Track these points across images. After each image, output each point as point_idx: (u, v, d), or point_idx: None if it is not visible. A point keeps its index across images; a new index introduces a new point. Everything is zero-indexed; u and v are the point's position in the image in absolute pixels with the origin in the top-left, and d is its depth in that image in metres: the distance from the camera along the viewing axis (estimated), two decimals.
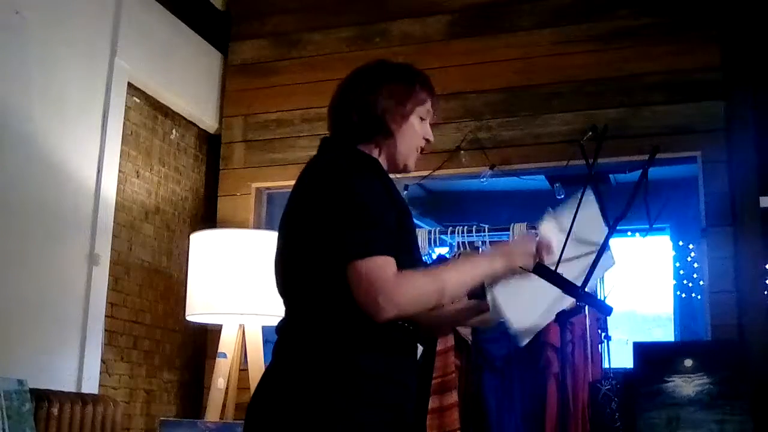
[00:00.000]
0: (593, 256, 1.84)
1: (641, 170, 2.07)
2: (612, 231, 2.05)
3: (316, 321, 1.70)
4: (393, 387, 1.72)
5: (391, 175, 1.88)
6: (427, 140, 1.91)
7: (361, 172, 1.72)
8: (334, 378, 1.64)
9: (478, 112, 3.98)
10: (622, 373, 3.50)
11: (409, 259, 1.73)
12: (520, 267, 1.78)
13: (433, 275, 1.70)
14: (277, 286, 1.83)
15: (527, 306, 1.83)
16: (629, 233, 4.90)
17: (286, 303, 1.80)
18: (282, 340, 1.76)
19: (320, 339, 1.68)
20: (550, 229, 1.85)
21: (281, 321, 1.80)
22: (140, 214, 3.83)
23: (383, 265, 1.60)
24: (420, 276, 1.67)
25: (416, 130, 1.88)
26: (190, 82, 4.18)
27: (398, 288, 1.60)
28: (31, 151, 3.13)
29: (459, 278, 1.71)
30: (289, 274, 1.78)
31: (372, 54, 4.20)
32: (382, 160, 1.86)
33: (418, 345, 1.85)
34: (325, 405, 1.63)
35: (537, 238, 1.81)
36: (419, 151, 1.91)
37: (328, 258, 1.65)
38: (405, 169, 1.90)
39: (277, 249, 1.83)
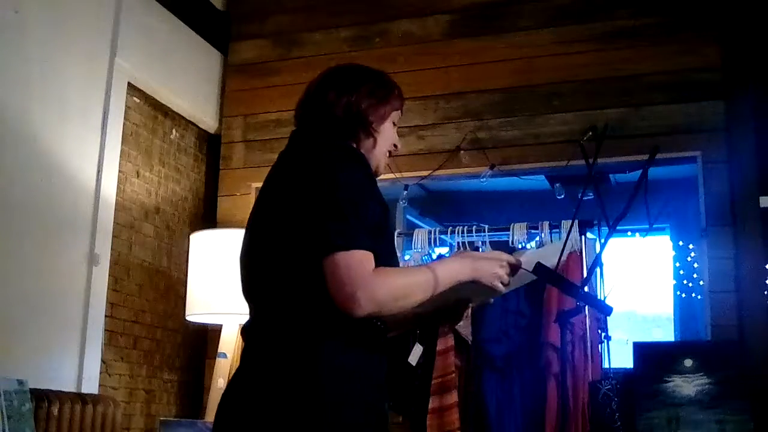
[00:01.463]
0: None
1: (641, 170, 2.07)
2: (612, 231, 2.05)
3: (286, 320, 1.64)
4: (371, 386, 1.68)
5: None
6: (395, 146, 1.91)
7: (347, 163, 1.69)
8: (314, 379, 1.59)
9: (478, 112, 3.98)
10: (622, 373, 3.50)
11: (388, 253, 1.70)
12: (522, 268, 1.79)
13: (410, 275, 1.67)
14: (243, 286, 1.77)
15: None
16: (629, 233, 4.90)
17: (252, 303, 1.74)
18: (251, 344, 1.71)
19: (292, 339, 1.62)
20: (528, 257, 1.86)
21: (246, 323, 1.74)
22: (140, 214, 3.83)
23: (363, 260, 1.56)
24: (398, 275, 1.65)
25: (391, 134, 1.88)
26: (190, 82, 4.18)
27: (377, 284, 1.55)
28: (31, 151, 3.13)
29: (430, 282, 1.67)
30: (256, 271, 1.73)
31: (372, 54, 4.21)
32: None
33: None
34: (308, 407, 1.57)
35: (509, 256, 1.81)
36: (389, 155, 1.91)
37: (303, 250, 1.60)
38: (377, 172, 1.87)
39: (244, 248, 1.78)
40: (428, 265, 1.77)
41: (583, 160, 2.24)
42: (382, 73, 1.92)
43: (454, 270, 1.72)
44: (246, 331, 1.73)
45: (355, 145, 1.82)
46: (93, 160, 3.45)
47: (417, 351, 1.98)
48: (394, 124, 1.89)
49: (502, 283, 1.76)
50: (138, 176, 3.83)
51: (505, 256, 1.79)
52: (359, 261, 1.55)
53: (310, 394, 1.58)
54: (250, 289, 1.75)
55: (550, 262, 1.88)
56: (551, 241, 3.66)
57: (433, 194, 5.61)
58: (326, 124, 1.81)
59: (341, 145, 1.78)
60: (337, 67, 1.92)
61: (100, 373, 3.45)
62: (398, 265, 1.74)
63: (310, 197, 1.62)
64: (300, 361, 1.60)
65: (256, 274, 1.73)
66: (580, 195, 2.11)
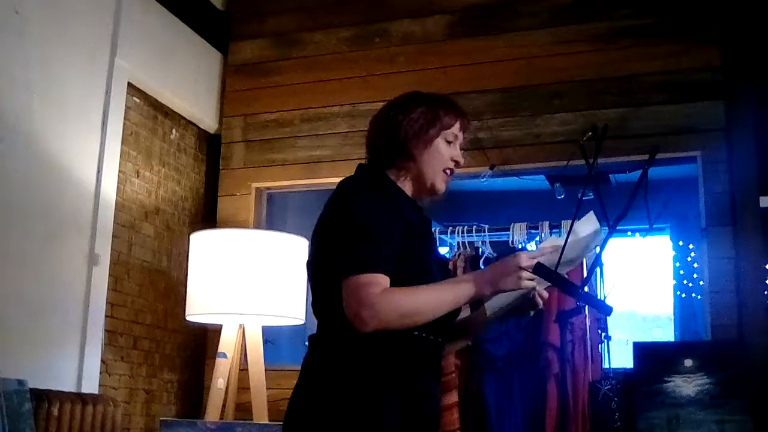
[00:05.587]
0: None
1: (641, 170, 2.07)
2: (612, 231, 2.05)
3: (340, 334, 1.76)
4: (419, 398, 1.79)
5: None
6: (456, 162, 1.96)
7: (363, 192, 1.82)
8: (359, 393, 1.73)
9: (478, 112, 3.97)
10: (622, 373, 3.50)
11: (416, 272, 1.80)
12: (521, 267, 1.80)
13: (420, 294, 1.76)
14: None
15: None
16: (629, 233, 4.89)
17: (314, 314, 1.89)
18: (310, 352, 1.86)
19: (335, 348, 1.78)
20: (548, 246, 1.87)
21: (315, 332, 1.89)
22: (140, 214, 3.83)
23: (371, 282, 1.70)
24: (405, 294, 1.74)
25: (442, 154, 1.93)
26: (190, 82, 4.18)
27: (382, 305, 1.69)
28: (31, 151, 3.13)
29: (444, 299, 1.78)
30: (312, 285, 1.89)
31: (372, 54, 4.22)
32: (408, 183, 1.93)
33: None
34: (351, 419, 1.71)
35: (529, 253, 1.84)
36: (448, 173, 1.96)
37: (329, 273, 1.77)
38: (433, 190, 1.95)
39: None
40: (445, 282, 1.85)
41: (583, 160, 2.24)
42: (432, 96, 1.97)
43: (468, 287, 1.80)
44: (310, 338, 1.88)
45: (401, 171, 1.92)
46: (93, 160, 3.45)
47: (440, 362, 2.00)
48: (449, 141, 1.94)
49: (529, 280, 1.81)
50: (138, 176, 3.83)
51: (522, 261, 1.80)
52: (365, 283, 1.70)
53: (348, 407, 1.72)
54: (312, 301, 1.90)
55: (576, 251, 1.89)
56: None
57: None
58: (374, 155, 1.96)
59: (366, 177, 1.90)
60: (396, 98, 1.99)
61: (100, 373, 3.45)
62: (431, 281, 1.83)
63: (331, 225, 1.81)
64: (345, 377, 1.76)
65: (311, 287, 1.90)
66: (580, 195, 2.11)
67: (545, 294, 1.86)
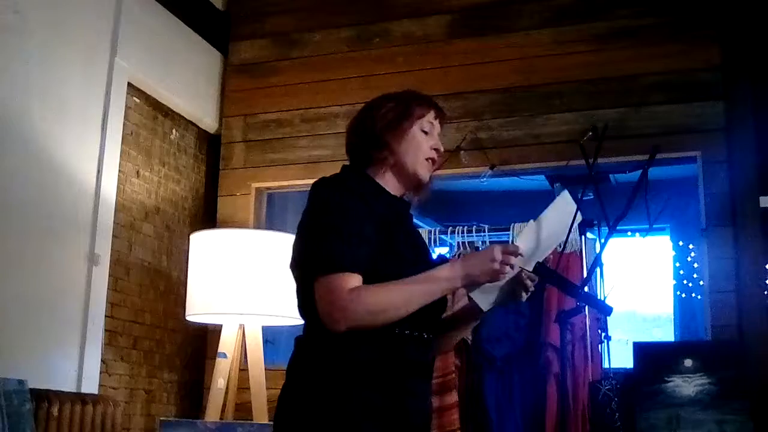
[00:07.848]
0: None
1: (641, 170, 2.07)
2: (612, 231, 2.05)
3: (323, 335, 1.75)
4: (405, 397, 1.78)
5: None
6: (437, 150, 1.97)
7: (332, 191, 1.81)
8: (344, 393, 1.72)
9: (478, 112, 3.98)
10: (622, 373, 3.50)
11: (393, 263, 1.79)
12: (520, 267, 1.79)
13: (390, 290, 1.74)
14: None
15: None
16: (629, 233, 4.90)
17: (300, 314, 1.88)
18: (296, 353, 1.85)
19: (329, 354, 1.75)
20: (527, 237, 1.85)
21: (301, 334, 1.88)
22: (140, 214, 3.83)
23: (341, 282, 1.70)
24: (377, 291, 1.73)
25: (420, 142, 1.94)
26: (190, 82, 4.18)
27: (351, 303, 1.69)
28: (31, 151, 3.13)
29: (416, 294, 1.75)
30: (296, 286, 1.87)
31: (372, 54, 4.22)
32: (390, 176, 1.92)
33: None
34: (337, 420, 1.70)
35: (505, 246, 1.81)
36: (431, 162, 1.97)
37: (303, 273, 1.80)
38: (416, 178, 1.94)
39: None
40: (418, 277, 1.80)
41: (583, 160, 2.24)
42: (403, 92, 1.99)
43: (441, 281, 1.78)
44: (296, 339, 1.88)
45: (381, 165, 1.91)
46: (93, 160, 3.45)
47: (428, 359, 1.99)
48: (425, 131, 1.95)
49: (505, 271, 1.78)
50: (138, 176, 3.83)
51: (496, 251, 1.78)
52: (336, 283, 1.70)
53: (327, 408, 1.71)
54: (296, 300, 1.89)
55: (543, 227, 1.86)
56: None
57: (433, 194, 5.59)
58: (353, 154, 1.97)
59: (341, 175, 1.90)
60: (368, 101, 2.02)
61: (100, 373, 3.45)
62: (407, 275, 1.79)
63: (303, 224, 1.82)
64: (323, 368, 1.76)
65: (295, 287, 1.88)
66: (580, 195, 2.11)
67: (534, 276, 1.84)
